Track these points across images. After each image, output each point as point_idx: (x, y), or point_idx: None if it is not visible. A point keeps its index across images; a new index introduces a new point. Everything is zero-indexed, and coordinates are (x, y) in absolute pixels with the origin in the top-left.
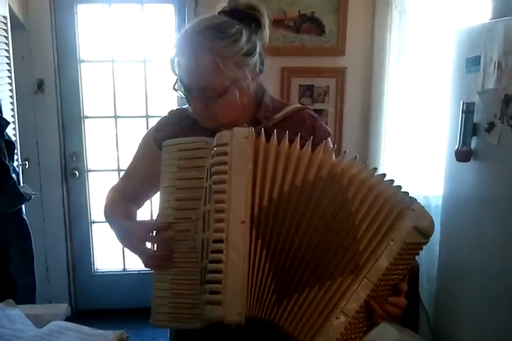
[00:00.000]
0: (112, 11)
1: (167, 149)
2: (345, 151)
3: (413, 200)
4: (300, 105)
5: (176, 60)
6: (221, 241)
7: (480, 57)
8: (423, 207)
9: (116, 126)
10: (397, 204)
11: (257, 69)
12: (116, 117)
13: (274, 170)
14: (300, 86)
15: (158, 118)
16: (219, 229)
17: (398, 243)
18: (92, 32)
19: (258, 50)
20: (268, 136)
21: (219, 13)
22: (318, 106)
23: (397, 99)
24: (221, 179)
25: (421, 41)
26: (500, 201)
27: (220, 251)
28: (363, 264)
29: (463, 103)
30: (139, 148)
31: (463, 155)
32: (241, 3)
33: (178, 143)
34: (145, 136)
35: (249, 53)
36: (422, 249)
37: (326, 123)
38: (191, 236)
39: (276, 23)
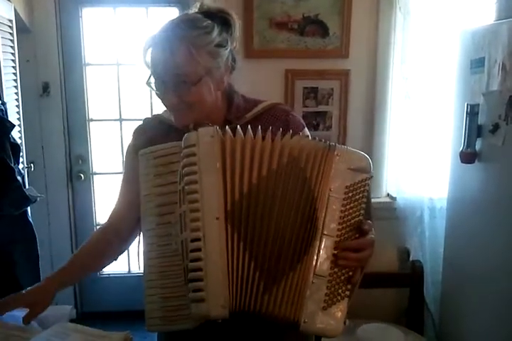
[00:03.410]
0: (116, 14)
1: (143, 158)
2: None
3: (334, 146)
4: (273, 101)
5: (149, 51)
6: (198, 239)
7: (484, 58)
8: (347, 148)
9: (121, 128)
10: (322, 158)
11: (229, 64)
12: (121, 120)
13: (242, 165)
14: (304, 88)
15: None
16: (195, 228)
17: (339, 190)
18: (97, 35)
19: (229, 45)
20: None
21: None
22: (322, 108)
23: (401, 100)
24: (192, 179)
25: (425, 43)
26: (505, 202)
27: (199, 250)
28: (316, 225)
29: (467, 104)
30: (125, 161)
31: (467, 156)
32: (212, 8)
33: (153, 151)
34: (127, 149)
35: (222, 45)
36: (369, 183)
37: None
38: (173, 239)
39: (280, 26)
